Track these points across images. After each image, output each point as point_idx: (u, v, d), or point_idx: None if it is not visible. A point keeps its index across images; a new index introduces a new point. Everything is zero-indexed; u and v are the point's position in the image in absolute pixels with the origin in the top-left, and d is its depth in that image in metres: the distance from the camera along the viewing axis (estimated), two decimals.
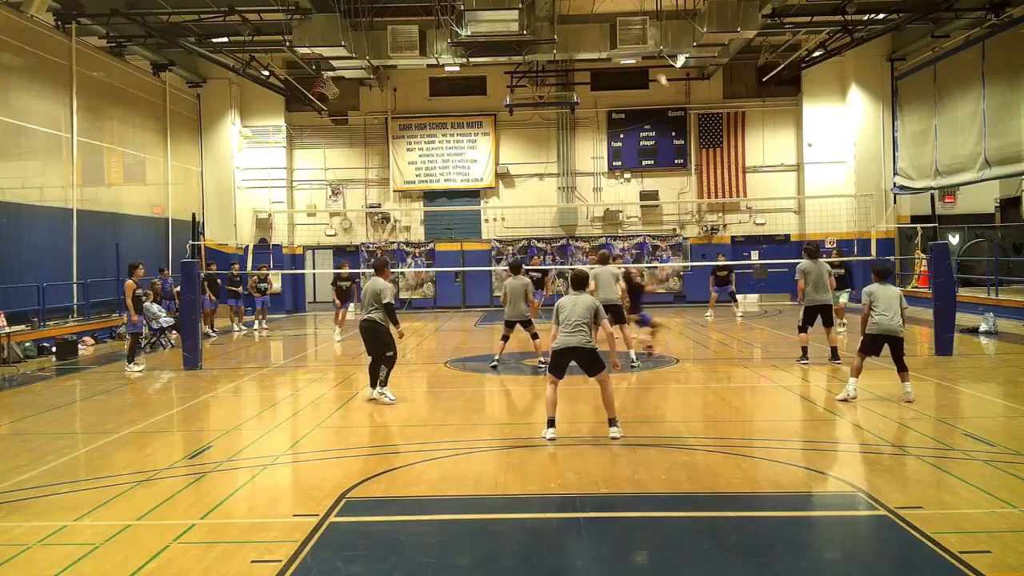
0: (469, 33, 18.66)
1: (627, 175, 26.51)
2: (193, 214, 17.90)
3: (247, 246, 20.32)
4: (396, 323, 9.55)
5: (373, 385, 9.66)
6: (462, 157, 26.51)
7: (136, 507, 5.80)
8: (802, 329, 12.07)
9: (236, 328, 20.02)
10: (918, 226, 23.79)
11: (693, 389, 10.69)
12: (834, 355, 11.99)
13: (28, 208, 16.84)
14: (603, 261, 12.73)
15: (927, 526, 5.02)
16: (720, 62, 23.91)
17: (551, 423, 7.55)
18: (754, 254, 25.94)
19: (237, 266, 20.78)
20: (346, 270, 18.74)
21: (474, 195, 26.67)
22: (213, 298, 19.22)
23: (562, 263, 24.87)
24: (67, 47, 18.40)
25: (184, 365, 13.06)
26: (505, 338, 12.42)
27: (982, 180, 20.82)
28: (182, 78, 24.71)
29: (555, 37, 20.08)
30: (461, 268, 25.42)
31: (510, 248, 26.05)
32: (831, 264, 14.37)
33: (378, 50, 20.60)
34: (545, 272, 20.67)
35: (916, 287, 22.73)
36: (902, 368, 9.00)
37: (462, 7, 17.92)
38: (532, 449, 7.26)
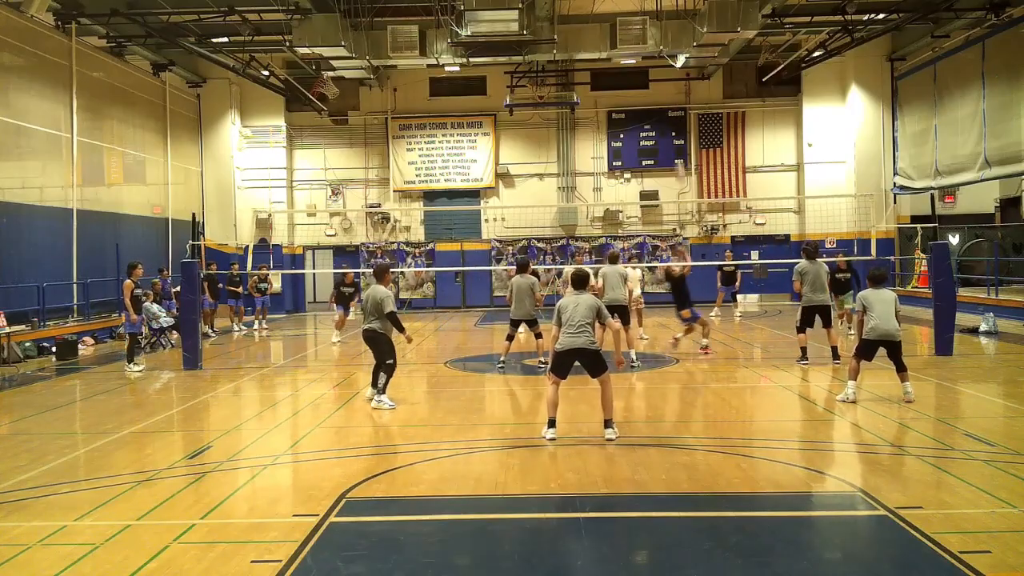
0: (469, 33, 18.66)
1: (627, 175, 26.51)
2: (193, 214, 17.90)
3: (247, 246, 20.32)
4: (402, 330, 9.35)
5: (374, 386, 9.58)
6: (462, 157, 26.52)
7: (136, 507, 5.80)
8: (800, 330, 12.07)
9: (236, 328, 20.03)
10: (918, 226, 23.80)
11: (693, 389, 10.69)
12: (835, 355, 11.99)
13: (28, 208, 16.84)
14: (613, 260, 12.72)
15: (927, 526, 5.02)
16: (720, 62, 23.91)
17: (552, 423, 7.54)
18: (754, 254, 25.94)
19: (237, 266, 20.78)
20: (351, 277, 17.93)
21: (474, 195, 26.67)
22: (211, 299, 19.21)
23: (562, 263, 24.85)
24: (67, 47, 18.40)
25: (184, 365, 13.06)
26: (510, 337, 12.41)
27: (982, 180, 20.82)
28: (182, 78, 24.71)
29: (555, 37, 20.08)
30: (461, 268, 25.42)
31: (510, 248, 26.05)
32: (839, 269, 14.41)
33: (378, 50, 20.60)
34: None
35: (916, 287, 22.73)
36: (901, 368, 9.00)
37: (462, 7, 17.92)
38: (532, 449, 7.26)
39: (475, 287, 26.34)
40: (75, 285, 18.16)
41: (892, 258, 23.81)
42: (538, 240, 26.08)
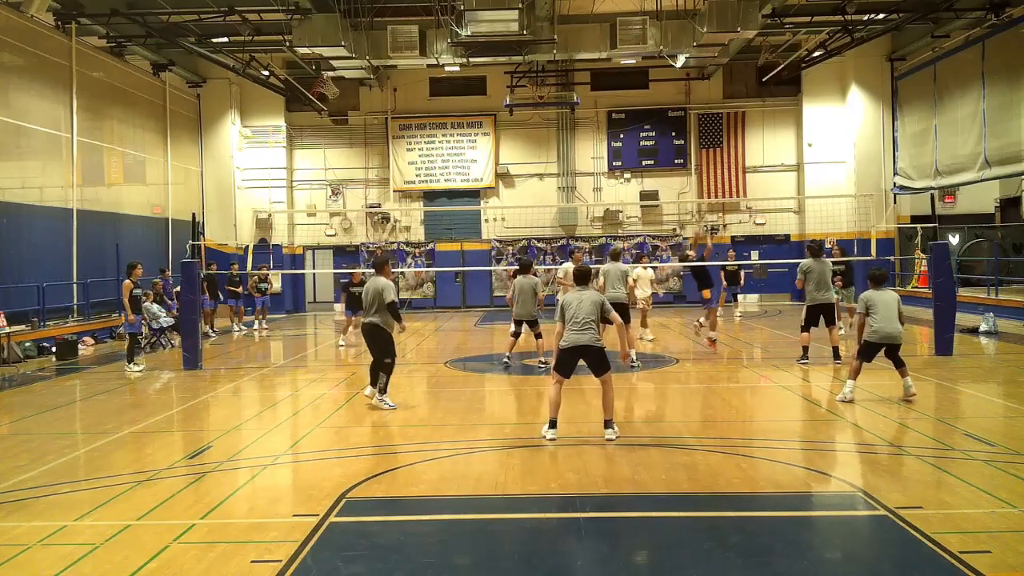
0: (469, 33, 18.66)
1: (627, 175, 26.51)
2: (193, 214, 17.90)
3: (247, 246, 20.32)
4: (399, 320, 9.25)
5: (373, 384, 9.44)
6: (462, 157, 26.52)
7: (136, 507, 5.80)
8: (804, 328, 12.07)
9: (236, 328, 20.03)
10: (918, 226, 23.81)
11: (693, 389, 10.69)
12: (836, 355, 11.98)
13: (28, 208, 16.84)
14: (614, 257, 12.75)
15: (927, 526, 5.02)
16: (720, 62, 23.91)
17: (552, 424, 7.52)
18: (754, 254, 25.94)
19: (237, 266, 20.78)
20: (359, 277, 17.39)
21: (474, 195, 26.67)
22: (212, 299, 19.22)
23: (562, 263, 24.83)
24: (67, 47, 18.40)
25: (184, 365, 13.06)
26: (516, 335, 12.46)
27: (982, 180, 20.82)
28: (182, 78, 24.71)
29: (555, 37, 20.08)
30: (461, 268, 25.42)
31: (510, 248, 26.05)
32: (832, 263, 14.37)
33: (378, 50, 20.60)
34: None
35: (916, 287, 22.73)
36: (900, 364, 9.00)
37: (462, 7, 17.92)
38: (532, 449, 7.26)
39: (475, 287, 26.35)
40: (75, 285, 18.16)
41: (892, 258, 23.81)
42: (538, 240, 26.08)
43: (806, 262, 12.01)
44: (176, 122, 23.96)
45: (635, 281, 15.51)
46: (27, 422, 9.35)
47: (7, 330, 14.60)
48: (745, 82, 26.21)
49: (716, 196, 25.89)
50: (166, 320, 16.28)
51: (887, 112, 25.08)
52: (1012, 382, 10.80)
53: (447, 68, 23.18)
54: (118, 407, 10.17)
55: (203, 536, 5.20)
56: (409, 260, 26.29)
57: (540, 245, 26.06)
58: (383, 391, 9.21)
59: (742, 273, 20.59)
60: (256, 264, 20.34)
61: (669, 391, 10.57)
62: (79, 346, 16.10)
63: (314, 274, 27.44)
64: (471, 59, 21.44)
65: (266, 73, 22.99)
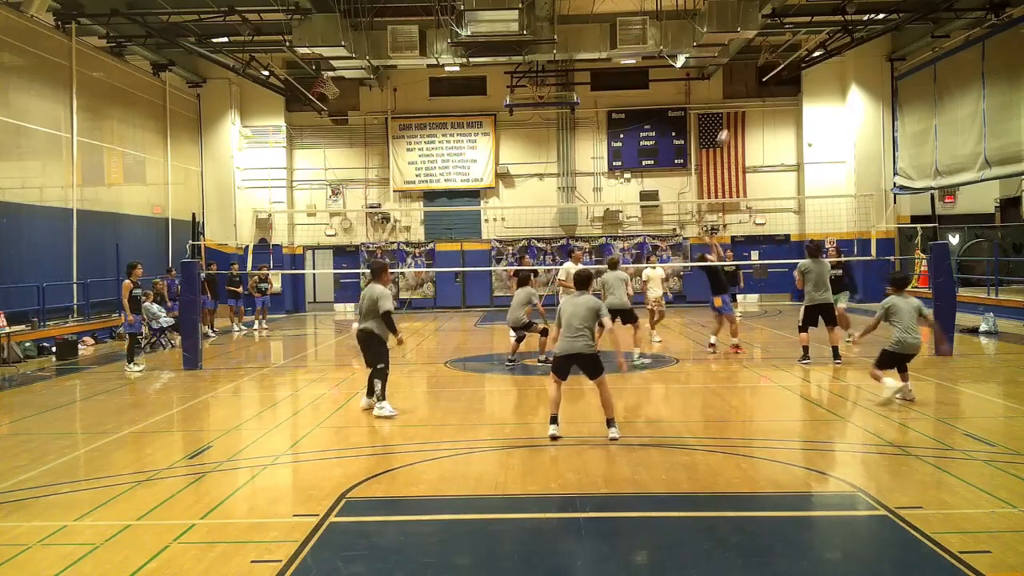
0: (469, 33, 18.66)
1: (627, 175, 26.51)
2: (193, 214, 17.91)
3: (247, 246, 20.31)
4: (395, 331, 8.94)
5: (369, 395, 9.14)
6: (462, 157, 26.52)
7: (136, 507, 5.80)
8: (802, 329, 12.06)
9: (236, 328, 20.03)
10: (918, 226, 23.80)
11: (693, 389, 10.69)
12: (835, 355, 11.98)
13: (28, 208, 16.84)
14: (612, 266, 12.79)
15: (927, 526, 5.02)
16: (720, 62, 23.91)
17: (554, 420, 7.56)
18: (754, 254, 25.94)
19: (237, 266, 20.79)
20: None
21: (474, 195, 26.67)
22: (213, 299, 19.25)
23: (562, 263, 24.82)
24: (67, 47, 18.40)
25: (184, 365, 13.06)
26: (518, 340, 12.65)
27: (982, 180, 20.82)
28: (182, 78, 24.71)
29: (555, 37, 20.08)
30: (461, 268, 25.42)
31: (510, 248, 26.05)
32: (831, 266, 14.33)
33: (378, 50, 20.60)
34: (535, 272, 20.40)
35: (916, 287, 22.72)
36: (903, 369, 8.89)
37: (462, 7, 17.92)
38: (532, 449, 7.26)
39: (475, 287, 26.35)
40: (75, 285, 18.16)
41: (892, 258, 23.80)
42: (538, 240, 26.08)
43: (804, 262, 12.01)
44: (176, 122, 23.96)
45: (646, 282, 15.58)
46: (27, 422, 9.35)
47: (7, 330, 14.60)
48: (745, 82, 26.21)
49: (716, 196, 25.89)
50: (166, 320, 16.28)
51: (887, 112, 25.08)
52: (1012, 382, 10.80)
53: (447, 68, 23.18)
54: (118, 407, 10.17)
55: (203, 536, 5.20)
56: (409, 260, 26.29)
57: (540, 245, 26.06)
58: (381, 398, 8.86)
59: (740, 273, 20.59)
60: (256, 264, 20.34)
61: (669, 391, 10.57)
62: (79, 346, 16.10)
63: (314, 274, 27.45)
64: (471, 59, 21.44)
65: (266, 73, 22.98)
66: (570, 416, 8.38)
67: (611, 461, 6.83)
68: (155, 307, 16.06)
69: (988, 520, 5.17)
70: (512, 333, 12.68)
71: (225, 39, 21.33)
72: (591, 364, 7.56)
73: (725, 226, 26.35)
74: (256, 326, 20.39)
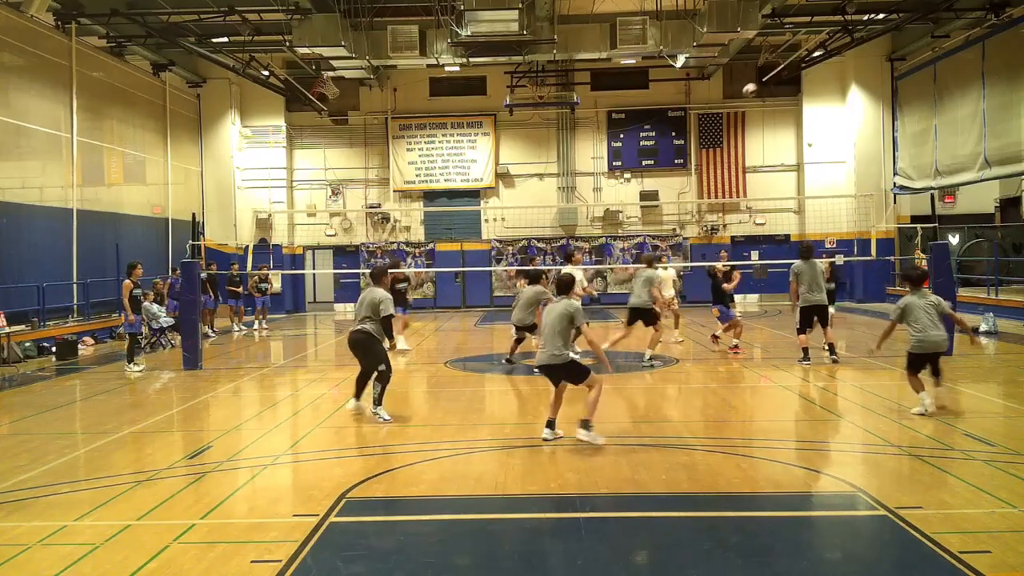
0: (469, 33, 18.66)
1: (627, 175, 26.51)
2: (193, 214, 17.91)
3: (247, 246, 20.33)
4: (391, 337, 8.77)
5: (357, 397, 8.86)
6: (462, 157, 26.52)
7: (136, 507, 5.80)
8: (800, 331, 12.10)
9: (236, 328, 20.03)
10: (918, 226, 23.81)
11: (693, 389, 10.69)
12: (831, 351, 12.02)
13: (28, 208, 16.84)
14: (649, 263, 12.86)
15: (927, 526, 5.02)
16: (720, 62, 23.91)
17: (549, 424, 7.48)
18: (754, 254, 25.94)
19: (237, 266, 20.79)
20: (403, 270, 16.23)
21: (474, 195, 26.68)
22: (220, 298, 19.30)
23: (562, 264, 24.81)
24: (67, 47, 18.40)
25: (184, 365, 13.06)
26: (518, 340, 12.63)
27: (982, 180, 20.82)
28: (182, 78, 24.71)
29: (555, 37, 20.08)
30: (461, 268, 25.42)
31: (510, 248, 26.05)
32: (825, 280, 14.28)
33: (378, 50, 20.60)
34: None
35: None
36: (937, 372, 8.45)
37: (462, 7, 17.92)
38: (532, 449, 7.25)
39: (475, 287, 26.35)
40: (75, 285, 18.16)
41: (892, 258, 23.82)
42: (538, 240, 26.08)
43: (797, 264, 12.09)
44: (176, 122, 23.96)
45: (659, 284, 15.53)
46: (27, 422, 9.35)
47: (7, 330, 14.60)
48: (745, 82, 26.16)
49: (716, 196, 25.89)
50: (166, 320, 16.28)
51: (887, 112, 25.08)
52: (1012, 382, 10.79)
53: (447, 68, 23.18)
54: (118, 407, 10.17)
55: (203, 536, 5.20)
56: (409, 260, 26.29)
57: (540, 245, 26.06)
58: (378, 402, 8.58)
59: (735, 274, 20.54)
60: (256, 264, 20.35)
61: (669, 391, 10.57)
62: (79, 346, 16.10)
63: (314, 274, 27.45)
64: (471, 59, 21.44)
65: (266, 73, 22.98)
66: (570, 416, 8.36)
67: (611, 461, 6.83)
68: (155, 307, 16.06)
69: (988, 520, 5.17)
70: (513, 332, 12.63)
71: (225, 39, 21.33)
72: (569, 372, 7.25)
73: (725, 226, 26.35)
74: (256, 326, 20.39)
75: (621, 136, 26.40)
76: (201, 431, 8.89)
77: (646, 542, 5.10)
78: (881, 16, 20.15)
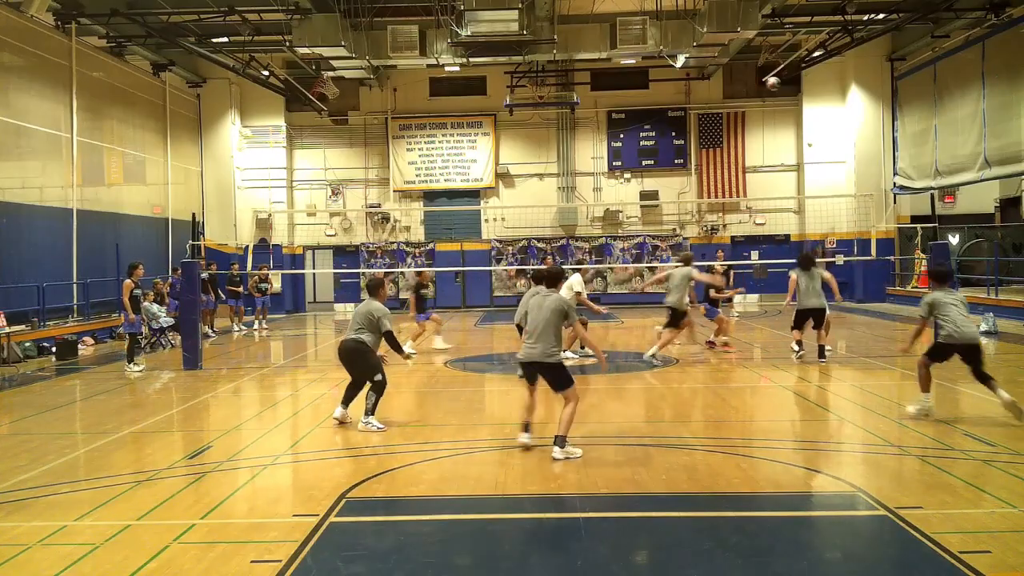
0: (469, 33, 18.66)
1: (627, 175, 26.52)
2: (193, 214, 17.94)
3: (247, 246, 20.33)
4: (400, 351, 8.60)
5: (345, 405, 8.54)
6: (462, 157, 26.52)
7: (136, 507, 5.80)
8: (793, 328, 12.40)
9: (236, 328, 20.03)
10: (918, 226, 23.83)
11: (693, 389, 10.69)
12: (820, 353, 12.16)
13: (28, 208, 16.84)
14: (687, 261, 12.94)
15: (927, 526, 5.02)
16: (720, 62, 23.91)
17: (525, 427, 7.17)
18: (754, 254, 25.95)
19: (237, 266, 20.80)
20: (427, 276, 16.04)
21: (474, 195, 26.68)
22: (222, 297, 19.32)
23: (562, 263, 24.82)
24: (67, 47, 18.40)
25: (184, 365, 13.06)
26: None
27: (982, 180, 20.82)
28: (182, 78, 24.72)
29: (555, 37, 20.08)
30: (461, 268, 25.42)
31: (510, 248, 26.06)
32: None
33: (378, 50, 20.61)
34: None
35: (916, 287, 22.74)
36: (987, 377, 7.86)
37: (462, 7, 17.92)
38: (532, 449, 7.25)
39: (475, 287, 26.34)
40: (75, 285, 18.16)
41: (892, 258, 23.83)
42: (538, 240, 26.08)
43: (794, 274, 12.30)
44: (176, 122, 23.96)
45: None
46: (27, 422, 9.35)
47: (7, 330, 14.60)
48: (745, 82, 26.20)
49: (716, 196, 25.89)
50: (166, 320, 16.28)
51: (887, 112, 25.08)
52: (1012, 382, 10.77)
53: (447, 68, 23.18)
54: (118, 407, 10.16)
55: (203, 536, 5.20)
56: (409, 260, 26.30)
57: (540, 245, 26.05)
58: (371, 411, 8.26)
59: (731, 274, 20.60)
60: (256, 264, 20.36)
61: (669, 391, 10.57)
62: (79, 346, 16.10)
63: (314, 274, 27.46)
64: (471, 59, 21.44)
65: (266, 73, 22.98)
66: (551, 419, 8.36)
67: (611, 461, 6.83)
68: (155, 307, 16.06)
69: (988, 520, 5.17)
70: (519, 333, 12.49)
71: (225, 39, 21.33)
72: (554, 374, 6.89)
73: (725, 226, 26.35)
74: (256, 326, 20.39)
75: (621, 136, 26.40)
76: (201, 431, 8.89)
77: (646, 542, 5.10)
78: (881, 16, 20.15)
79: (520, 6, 17.74)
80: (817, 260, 14.43)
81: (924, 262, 21.03)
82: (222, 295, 19.89)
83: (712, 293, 14.38)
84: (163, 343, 16.27)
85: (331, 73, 23.31)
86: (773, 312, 22.24)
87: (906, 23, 20.73)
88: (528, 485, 6.20)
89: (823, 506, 5.85)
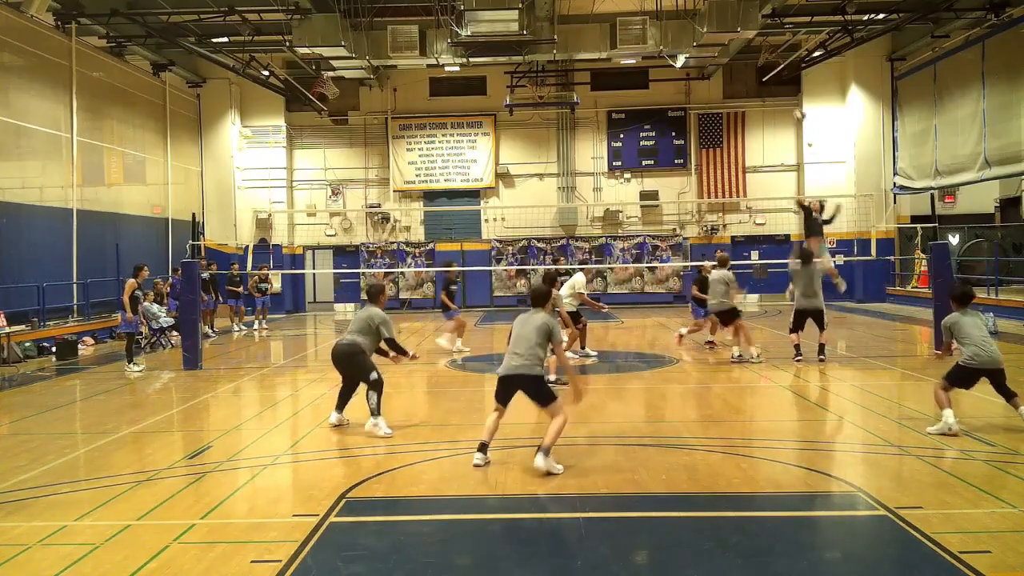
0: (469, 33, 18.66)
1: (627, 175, 26.52)
2: (193, 214, 17.94)
3: (247, 246, 20.34)
4: (405, 353, 8.46)
5: (339, 410, 8.50)
6: (462, 157, 26.52)
7: (136, 507, 5.80)
8: (792, 331, 12.32)
9: (236, 328, 20.03)
10: (918, 226, 23.82)
11: (693, 389, 10.69)
12: (820, 351, 12.15)
13: (28, 208, 16.84)
14: (723, 264, 12.92)
15: (927, 526, 5.02)
16: (720, 62, 23.91)
17: (481, 447, 6.76)
18: (754, 254, 25.95)
19: (237, 266, 20.80)
20: (454, 268, 16.08)
21: (474, 195, 26.68)
22: (220, 298, 19.34)
23: (557, 261, 24.80)
24: (67, 47, 18.40)
25: (184, 365, 13.06)
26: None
27: (982, 180, 20.82)
28: (182, 78, 24.72)
29: (555, 37, 20.08)
30: (461, 268, 25.38)
31: (510, 248, 26.05)
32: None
33: (378, 50, 20.61)
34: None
35: (916, 287, 22.74)
36: (1012, 395, 7.59)
37: (462, 7, 17.92)
38: (532, 449, 7.24)
39: (475, 287, 26.34)
40: (75, 285, 18.16)
41: (892, 258, 23.83)
42: (538, 240, 26.08)
43: (793, 264, 12.27)
44: (176, 122, 23.96)
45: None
46: (27, 422, 9.34)
47: (7, 330, 14.61)
48: (745, 82, 26.21)
49: (716, 196, 25.89)
50: (166, 320, 16.28)
51: (887, 112, 25.08)
52: (1012, 382, 10.73)
53: (447, 68, 23.18)
54: (118, 407, 10.16)
55: (203, 536, 5.20)
56: (409, 260, 26.29)
57: (540, 245, 26.06)
58: (376, 412, 8.13)
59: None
60: (256, 264, 20.36)
61: (669, 391, 10.57)
62: (79, 346, 16.10)
63: (314, 274, 27.47)
64: (471, 59, 21.44)
65: (266, 73, 22.99)
66: (569, 416, 8.36)
67: (611, 461, 6.83)
68: (155, 307, 16.06)
69: (988, 520, 5.17)
70: None
71: (225, 39, 21.33)
72: (535, 389, 6.63)
73: (725, 226, 26.35)
74: (256, 326, 20.39)
75: (621, 136, 26.40)
76: (201, 431, 8.89)
77: (646, 542, 5.10)
78: (881, 16, 20.16)
79: (520, 6, 17.74)
80: (815, 214, 14.42)
81: (924, 262, 21.03)
82: (220, 296, 19.90)
83: (695, 291, 14.43)
84: (163, 343, 16.27)
85: (331, 73, 23.31)
86: (773, 312, 22.23)
87: (906, 23, 20.73)
88: (528, 485, 6.19)
89: (823, 506, 5.85)
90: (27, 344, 15.36)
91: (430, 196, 26.79)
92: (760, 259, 25.34)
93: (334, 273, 26.45)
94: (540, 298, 6.97)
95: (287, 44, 20.43)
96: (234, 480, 6.61)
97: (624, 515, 5.61)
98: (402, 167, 26.55)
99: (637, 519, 5.52)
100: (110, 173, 20.50)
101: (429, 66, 23.02)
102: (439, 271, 25.60)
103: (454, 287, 15.27)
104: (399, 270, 25.54)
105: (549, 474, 6.35)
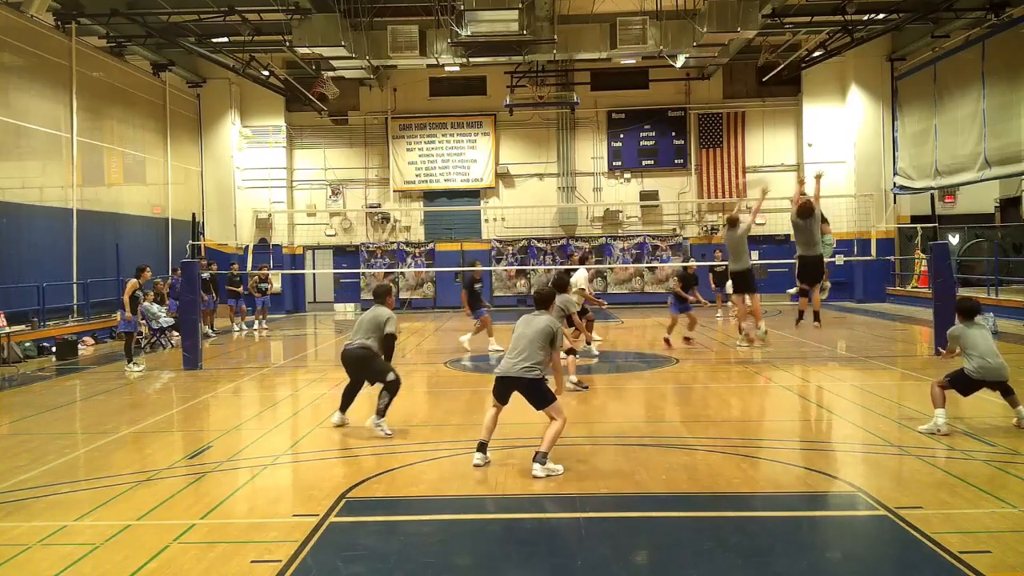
0: (469, 33, 18.66)
1: (627, 175, 26.51)
2: (193, 214, 17.93)
3: (247, 246, 20.33)
4: (390, 357, 8.25)
5: (343, 409, 8.44)
6: (462, 157, 26.52)
7: (136, 507, 5.80)
8: (797, 279, 12.72)
9: (236, 328, 20.03)
10: (918, 226, 23.82)
11: (693, 389, 10.69)
12: (815, 318, 12.35)
13: (28, 208, 16.83)
14: (733, 224, 13.63)
15: (927, 526, 5.02)
16: (720, 62, 23.91)
17: (480, 447, 6.76)
18: (754, 254, 25.92)
19: (237, 266, 20.80)
20: (479, 268, 16.12)
21: (474, 195, 26.67)
22: (216, 298, 19.34)
23: (561, 263, 24.80)
24: (67, 47, 18.40)
25: (184, 365, 13.06)
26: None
27: (982, 180, 20.82)
28: (182, 78, 24.71)
29: (555, 37, 20.08)
30: (461, 268, 25.39)
31: (510, 248, 26.05)
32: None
33: (378, 50, 20.61)
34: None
35: (916, 287, 22.74)
36: (1017, 403, 7.66)
37: (462, 7, 17.92)
38: (532, 449, 7.24)
39: None
40: (75, 285, 18.15)
41: (892, 258, 23.82)
42: (538, 240, 26.08)
43: (793, 218, 12.59)
44: (176, 122, 23.96)
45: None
46: (27, 422, 9.34)
47: (7, 330, 14.60)
48: (745, 82, 26.20)
49: (716, 196, 25.88)
50: (166, 320, 16.28)
51: (887, 112, 25.08)
52: (1012, 382, 10.77)
53: (447, 68, 23.18)
54: (118, 407, 10.17)
55: (203, 536, 5.20)
56: (409, 260, 26.29)
57: (540, 245, 26.05)
58: (381, 414, 8.05)
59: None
60: (256, 264, 20.35)
61: (669, 391, 10.57)
62: (79, 346, 16.10)
63: (314, 274, 27.47)
64: (471, 59, 21.44)
65: (266, 73, 22.98)
66: (569, 417, 8.36)
67: (611, 461, 6.83)
68: (155, 307, 16.06)
69: (988, 520, 5.17)
70: None
71: (225, 39, 21.32)
72: (533, 392, 6.57)
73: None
74: (256, 326, 20.39)
75: (621, 136, 26.40)
76: (201, 431, 8.89)
77: (646, 542, 5.10)
78: (881, 16, 20.15)
79: (520, 6, 17.74)
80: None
81: (924, 262, 21.02)
82: (220, 296, 19.89)
83: (677, 287, 14.57)
84: (163, 343, 16.27)
85: (331, 73, 23.31)
86: (773, 312, 22.23)
87: (906, 23, 20.73)
88: (528, 485, 6.20)
89: (823, 506, 5.85)
90: (27, 344, 15.36)
91: (430, 196, 26.79)
92: (760, 259, 25.33)
93: (334, 273, 26.45)
94: (544, 300, 6.98)
95: (287, 44, 20.42)
96: (234, 480, 6.61)
97: (624, 515, 5.61)
98: (402, 167, 26.55)
99: (637, 519, 5.52)
100: (110, 173, 20.50)
101: (429, 66, 23.01)
102: (439, 271, 25.65)
103: (478, 286, 15.21)
104: (399, 270, 25.53)
105: (549, 476, 6.36)
